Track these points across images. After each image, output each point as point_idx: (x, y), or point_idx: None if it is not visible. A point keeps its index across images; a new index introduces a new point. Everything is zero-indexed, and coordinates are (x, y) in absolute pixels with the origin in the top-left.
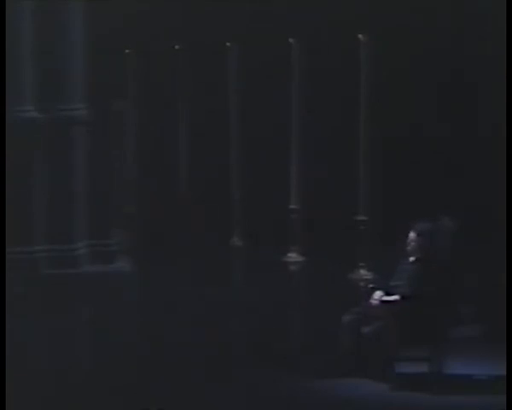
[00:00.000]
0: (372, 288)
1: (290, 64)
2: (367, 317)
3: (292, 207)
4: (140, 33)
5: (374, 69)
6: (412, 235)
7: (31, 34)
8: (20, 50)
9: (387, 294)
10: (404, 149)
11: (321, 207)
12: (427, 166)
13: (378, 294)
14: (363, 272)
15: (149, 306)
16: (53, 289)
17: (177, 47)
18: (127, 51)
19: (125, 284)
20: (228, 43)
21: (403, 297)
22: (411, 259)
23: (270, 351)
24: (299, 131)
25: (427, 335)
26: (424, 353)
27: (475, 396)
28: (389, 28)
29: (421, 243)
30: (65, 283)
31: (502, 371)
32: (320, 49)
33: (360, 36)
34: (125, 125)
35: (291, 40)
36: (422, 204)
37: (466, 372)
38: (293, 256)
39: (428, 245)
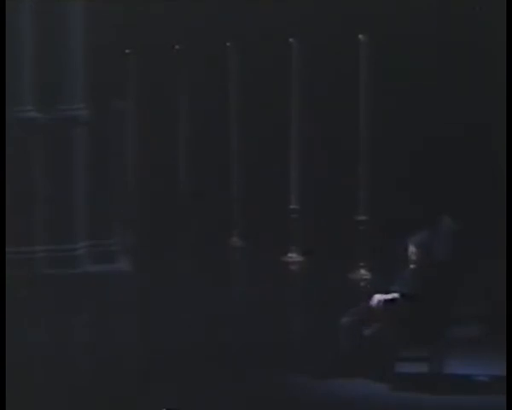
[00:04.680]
0: (372, 289)
1: (290, 64)
2: (367, 317)
3: (292, 207)
4: (140, 33)
5: (374, 69)
6: (412, 248)
7: (31, 34)
8: (20, 50)
9: (387, 293)
10: (404, 149)
11: (321, 207)
12: (427, 166)
13: (378, 294)
14: (363, 272)
15: (149, 306)
16: (53, 289)
17: (177, 47)
18: (127, 51)
19: (125, 284)
20: (228, 43)
21: (402, 295)
22: (412, 266)
23: (270, 351)
24: (299, 130)
25: (427, 335)
26: (424, 353)
27: (475, 396)
28: (389, 28)
29: (421, 256)
30: (65, 283)
31: (502, 371)
32: (320, 49)
33: (360, 36)
34: (125, 125)
35: (291, 40)
36: (423, 204)
37: (466, 372)
38: (293, 256)
39: (428, 257)
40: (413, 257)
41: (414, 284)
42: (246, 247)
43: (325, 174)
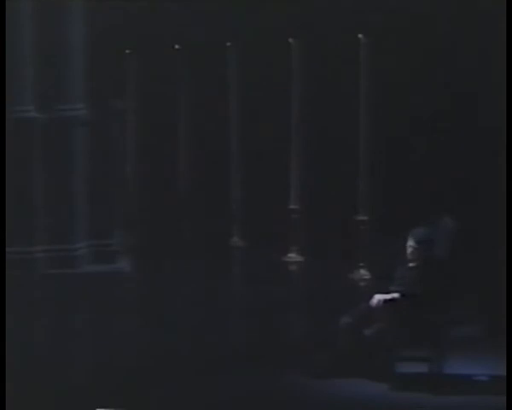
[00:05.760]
0: (372, 289)
1: (290, 64)
2: (367, 317)
3: (292, 207)
4: (140, 33)
5: (374, 69)
6: (411, 243)
7: (31, 34)
8: (20, 50)
9: (387, 293)
10: (404, 149)
11: (321, 207)
12: (427, 166)
13: (378, 294)
14: (363, 272)
15: (149, 306)
16: (53, 289)
17: (177, 47)
18: (127, 51)
19: (125, 284)
20: (228, 43)
21: (403, 295)
22: (411, 264)
23: (270, 351)
24: (299, 130)
25: (427, 335)
26: (424, 353)
27: (475, 396)
28: (389, 28)
29: (421, 251)
30: (65, 283)
31: (502, 371)
32: (320, 49)
33: (360, 36)
34: (125, 125)
35: (291, 40)
36: (423, 204)
37: (466, 372)
38: (293, 256)
39: (428, 253)
40: (412, 252)
41: (414, 283)
42: (246, 247)
43: (325, 174)
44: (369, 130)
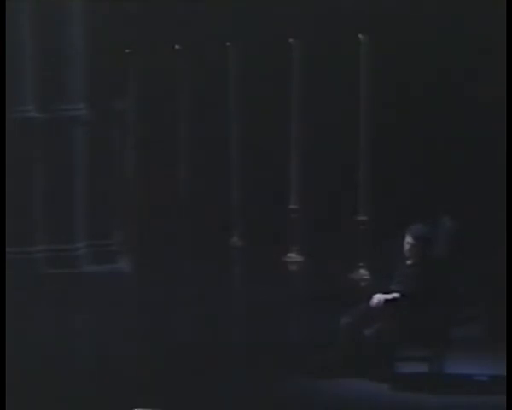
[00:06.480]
0: (372, 289)
1: (290, 64)
2: (367, 317)
3: (292, 207)
4: (140, 33)
5: (374, 69)
6: (409, 239)
7: (31, 34)
8: (20, 50)
9: (387, 293)
10: (404, 149)
11: (321, 207)
12: (427, 166)
13: (378, 294)
14: (363, 272)
15: (149, 306)
16: (53, 289)
17: (177, 47)
18: (127, 51)
19: (125, 284)
20: (228, 43)
21: (403, 295)
22: (409, 262)
23: (270, 351)
24: (298, 130)
25: (427, 335)
26: (424, 353)
27: (475, 396)
28: (389, 28)
29: (419, 248)
30: (65, 283)
31: (502, 371)
32: (320, 49)
33: (360, 36)
34: (126, 125)
35: (291, 40)
36: (423, 204)
37: (466, 372)
38: (293, 256)
39: (426, 250)
40: (410, 249)
41: (412, 282)
42: (246, 247)
43: (325, 174)
44: (369, 129)
